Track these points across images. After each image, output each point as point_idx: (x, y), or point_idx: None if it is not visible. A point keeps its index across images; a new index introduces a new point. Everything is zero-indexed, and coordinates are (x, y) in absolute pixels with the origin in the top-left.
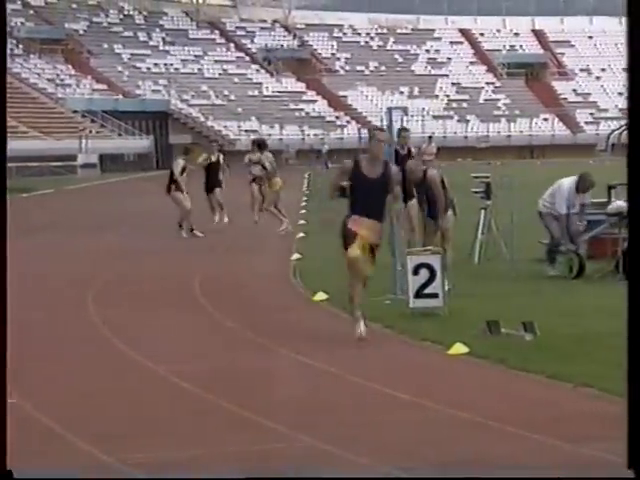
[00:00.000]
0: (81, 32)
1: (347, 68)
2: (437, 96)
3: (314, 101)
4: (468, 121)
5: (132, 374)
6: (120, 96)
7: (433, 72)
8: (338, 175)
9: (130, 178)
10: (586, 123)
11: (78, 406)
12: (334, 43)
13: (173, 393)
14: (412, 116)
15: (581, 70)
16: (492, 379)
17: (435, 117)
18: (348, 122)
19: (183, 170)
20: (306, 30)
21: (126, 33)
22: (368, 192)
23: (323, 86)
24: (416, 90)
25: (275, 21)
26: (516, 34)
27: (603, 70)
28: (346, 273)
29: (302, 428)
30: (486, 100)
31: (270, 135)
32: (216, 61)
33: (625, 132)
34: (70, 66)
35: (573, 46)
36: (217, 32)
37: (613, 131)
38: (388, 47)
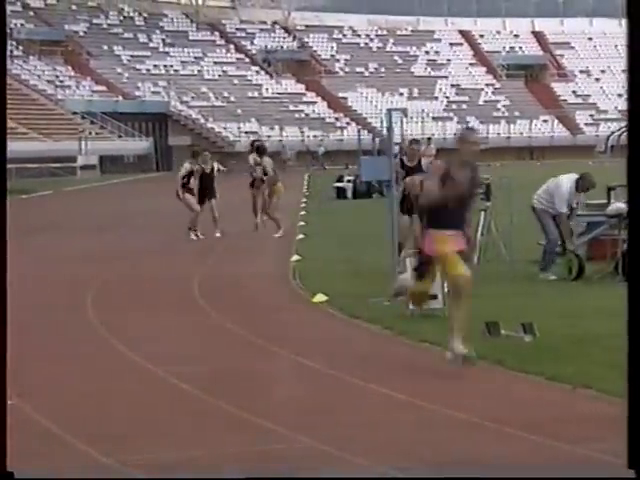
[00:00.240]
0: (81, 34)
1: (347, 69)
2: (437, 97)
3: (314, 102)
4: (468, 122)
5: (131, 375)
6: (120, 97)
7: (433, 73)
8: (432, 179)
9: (130, 180)
10: (586, 125)
11: (77, 407)
12: (334, 44)
13: (172, 394)
14: (412, 117)
15: (581, 72)
16: (491, 380)
17: (435, 118)
18: (348, 123)
19: (190, 174)
20: (306, 31)
21: (126, 35)
22: (457, 199)
23: (323, 87)
24: (416, 91)
25: (275, 22)
26: (516, 35)
27: (603, 72)
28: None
29: (301, 429)
30: (486, 101)
31: (270, 137)
32: (216, 62)
33: (625, 134)
34: (70, 67)
35: (573, 48)
36: (217, 33)
37: (613, 133)
38: (388, 48)
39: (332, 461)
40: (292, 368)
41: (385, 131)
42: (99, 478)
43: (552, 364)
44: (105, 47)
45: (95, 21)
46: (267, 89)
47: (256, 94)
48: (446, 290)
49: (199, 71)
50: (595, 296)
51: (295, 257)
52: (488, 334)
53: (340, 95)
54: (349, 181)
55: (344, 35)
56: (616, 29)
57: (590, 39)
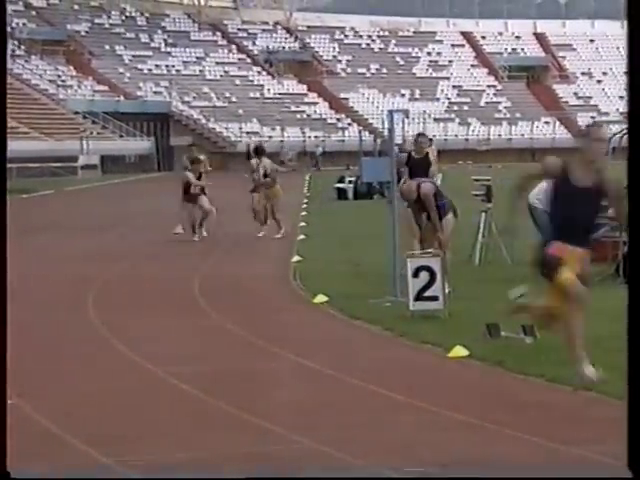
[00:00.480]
0: (83, 33)
1: (348, 70)
2: (438, 99)
3: (315, 103)
4: (469, 124)
5: (131, 375)
6: (121, 97)
7: (434, 75)
8: (532, 175)
9: (131, 180)
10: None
11: (77, 407)
12: (335, 45)
13: (172, 394)
14: (413, 119)
15: (582, 73)
16: (492, 382)
17: (436, 120)
18: (349, 124)
19: (199, 177)
20: (307, 32)
21: (128, 34)
22: (575, 207)
23: (324, 88)
24: (417, 93)
25: (277, 23)
26: (517, 37)
27: (604, 74)
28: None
29: (301, 430)
30: (487, 103)
31: (271, 137)
32: (217, 63)
33: (626, 136)
34: (71, 67)
35: (574, 49)
36: (219, 34)
37: (614, 135)
38: (389, 49)
39: (332, 461)
40: (292, 369)
41: (386, 132)
42: (99, 478)
43: (552, 366)
44: (107, 47)
45: (97, 21)
46: (269, 89)
47: (258, 94)
48: (447, 291)
49: (201, 71)
50: (596, 298)
51: (296, 258)
52: (489, 335)
53: (342, 96)
54: (350, 182)
55: (346, 36)
56: (618, 31)
57: (592, 41)
